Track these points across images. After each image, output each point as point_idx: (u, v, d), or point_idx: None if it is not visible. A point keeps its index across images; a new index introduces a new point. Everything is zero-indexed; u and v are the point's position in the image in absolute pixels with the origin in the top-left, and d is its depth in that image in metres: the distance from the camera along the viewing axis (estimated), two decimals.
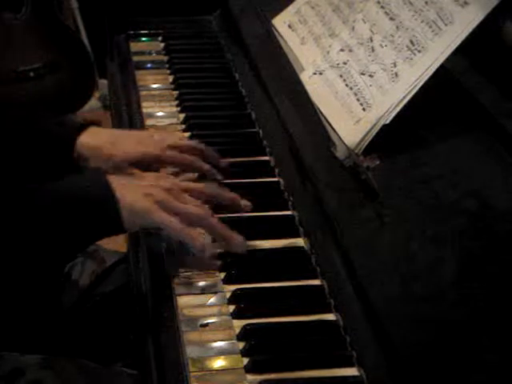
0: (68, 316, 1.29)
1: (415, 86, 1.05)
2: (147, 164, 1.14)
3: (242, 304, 0.96)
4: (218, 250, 1.04)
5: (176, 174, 1.15)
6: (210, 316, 0.95)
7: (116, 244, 1.36)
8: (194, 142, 1.21)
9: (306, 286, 1.00)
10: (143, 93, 1.43)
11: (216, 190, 1.10)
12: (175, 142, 1.18)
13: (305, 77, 1.21)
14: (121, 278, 1.31)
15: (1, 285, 1.00)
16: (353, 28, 1.18)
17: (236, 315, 0.95)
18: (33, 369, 1.09)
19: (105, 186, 0.97)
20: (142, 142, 1.16)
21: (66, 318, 1.29)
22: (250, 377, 0.88)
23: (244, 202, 1.10)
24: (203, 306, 0.97)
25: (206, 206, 1.06)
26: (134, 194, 0.98)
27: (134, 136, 1.19)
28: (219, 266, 1.02)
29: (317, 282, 1.01)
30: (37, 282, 1.10)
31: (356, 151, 1.07)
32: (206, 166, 1.16)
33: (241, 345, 0.91)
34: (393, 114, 1.05)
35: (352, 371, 0.89)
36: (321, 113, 1.15)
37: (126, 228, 0.98)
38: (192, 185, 1.08)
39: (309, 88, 1.19)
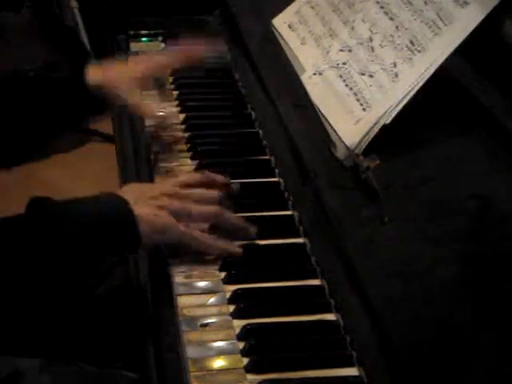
0: (67, 316, 1.29)
1: (415, 85, 1.05)
2: None
3: (242, 304, 0.96)
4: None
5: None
6: (210, 316, 0.95)
7: None
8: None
9: (306, 285, 1.00)
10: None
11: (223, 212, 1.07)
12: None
13: (305, 77, 1.21)
14: (121, 278, 1.31)
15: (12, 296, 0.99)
16: (352, 28, 1.18)
17: (236, 315, 0.95)
18: (32, 372, 1.09)
19: (124, 208, 0.97)
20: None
21: (65, 318, 1.29)
22: (250, 377, 0.88)
23: (252, 229, 1.07)
24: (203, 305, 0.97)
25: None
26: (149, 209, 0.99)
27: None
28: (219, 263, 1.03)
29: (317, 282, 1.01)
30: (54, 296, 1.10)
31: (356, 151, 1.07)
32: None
33: (241, 345, 0.91)
34: (393, 114, 1.05)
35: (352, 371, 0.89)
36: (321, 113, 1.15)
37: (143, 245, 0.98)
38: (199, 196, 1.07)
39: (309, 88, 1.19)
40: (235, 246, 1.04)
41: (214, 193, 1.08)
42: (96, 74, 1.24)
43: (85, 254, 0.96)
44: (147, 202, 1.00)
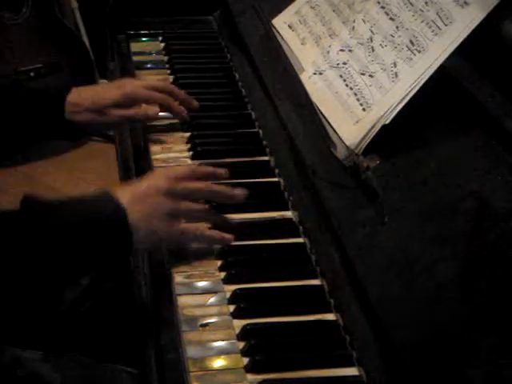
0: (69, 312, 1.29)
1: (415, 85, 1.05)
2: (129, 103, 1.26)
3: (242, 304, 0.96)
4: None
5: None
6: (210, 316, 0.95)
7: None
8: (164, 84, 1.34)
9: (306, 285, 1.00)
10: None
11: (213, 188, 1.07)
12: (148, 84, 1.29)
13: (305, 77, 1.21)
14: (122, 276, 1.31)
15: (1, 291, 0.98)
16: (353, 28, 1.18)
17: (236, 315, 0.95)
18: (32, 362, 1.09)
19: (116, 210, 0.95)
20: (120, 87, 1.27)
21: (66, 314, 1.29)
22: (250, 377, 0.88)
23: (237, 191, 1.06)
24: (203, 305, 0.97)
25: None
26: (143, 213, 0.97)
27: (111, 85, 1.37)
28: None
29: (317, 282, 1.01)
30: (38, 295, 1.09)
31: (356, 151, 1.07)
32: (177, 107, 1.31)
33: (241, 345, 0.91)
34: (393, 114, 1.05)
35: (352, 371, 0.89)
36: (321, 113, 1.15)
37: (136, 246, 0.97)
38: (190, 185, 1.05)
39: (309, 88, 1.19)
40: (225, 234, 1.04)
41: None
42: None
43: (72, 254, 0.94)
44: (144, 207, 0.98)
